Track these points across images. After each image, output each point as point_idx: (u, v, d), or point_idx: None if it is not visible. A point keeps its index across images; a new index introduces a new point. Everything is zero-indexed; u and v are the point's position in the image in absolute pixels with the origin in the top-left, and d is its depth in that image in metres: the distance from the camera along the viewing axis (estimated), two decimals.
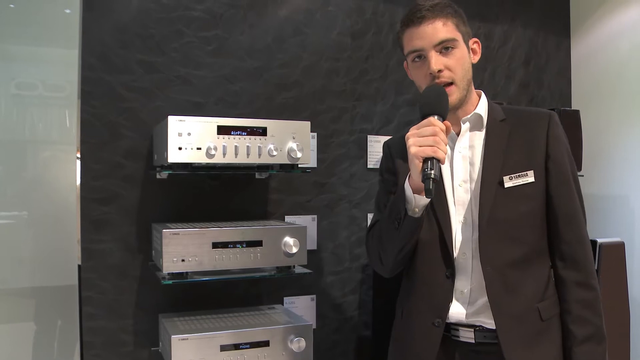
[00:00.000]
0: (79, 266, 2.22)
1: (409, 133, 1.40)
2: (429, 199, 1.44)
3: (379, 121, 2.69)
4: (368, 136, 2.66)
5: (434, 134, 1.35)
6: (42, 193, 2.41)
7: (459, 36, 1.49)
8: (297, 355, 2.07)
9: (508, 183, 1.49)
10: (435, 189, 1.35)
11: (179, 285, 2.16)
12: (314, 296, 2.55)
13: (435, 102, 1.42)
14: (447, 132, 1.39)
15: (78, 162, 2.23)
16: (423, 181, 1.34)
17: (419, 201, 1.44)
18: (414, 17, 1.47)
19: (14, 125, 2.40)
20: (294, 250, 2.06)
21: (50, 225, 2.41)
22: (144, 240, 2.26)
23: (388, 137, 2.63)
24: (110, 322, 2.22)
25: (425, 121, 1.39)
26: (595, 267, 2.62)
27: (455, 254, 1.52)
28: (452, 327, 1.54)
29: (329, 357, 2.58)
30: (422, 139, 1.36)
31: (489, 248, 1.48)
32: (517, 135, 1.52)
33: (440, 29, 1.46)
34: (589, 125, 2.92)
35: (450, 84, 1.47)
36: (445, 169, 1.54)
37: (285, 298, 2.50)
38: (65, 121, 2.45)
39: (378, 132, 2.68)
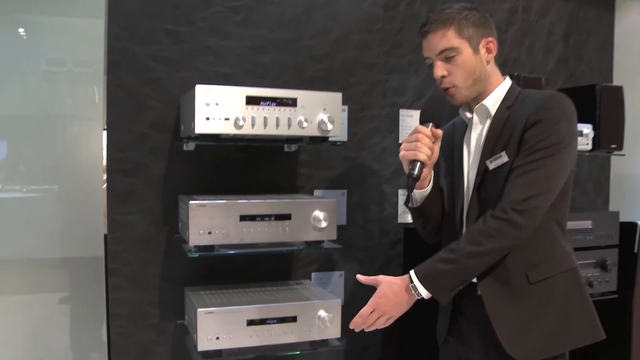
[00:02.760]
0: (105, 237, 2.21)
1: (403, 139, 1.69)
2: (426, 194, 1.73)
3: (411, 95, 2.61)
4: (400, 110, 2.59)
5: (416, 140, 1.60)
6: (71, 167, 2.41)
7: (461, 42, 1.62)
8: (324, 332, 2.03)
9: (491, 165, 1.62)
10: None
11: (205, 258, 2.13)
12: (342, 272, 2.50)
13: (430, 112, 1.66)
14: (436, 137, 1.63)
15: (104, 134, 2.20)
16: (407, 178, 1.61)
17: (414, 195, 1.74)
18: (420, 31, 1.67)
19: (44, 101, 2.40)
20: (324, 224, 2.01)
21: (80, 198, 2.41)
22: (170, 212, 2.23)
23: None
24: (136, 294, 2.21)
25: (414, 129, 1.64)
26: (635, 250, 2.54)
27: (464, 225, 1.69)
28: None
29: (355, 335, 2.51)
30: (408, 144, 1.62)
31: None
32: (511, 120, 1.62)
33: (439, 40, 1.62)
34: (633, 102, 2.78)
35: (451, 87, 1.64)
36: (464, 154, 1.73)
37: (313, 274, 2.45)
38: (94, 97, 2.44)
39: (411, 106, 2.60)
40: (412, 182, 1.61)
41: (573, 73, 3.00)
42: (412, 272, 1.58)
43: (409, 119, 2.57)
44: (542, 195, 1.51)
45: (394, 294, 1.59)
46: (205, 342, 1.90)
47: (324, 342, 2.06)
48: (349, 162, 2.49)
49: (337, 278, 2.48)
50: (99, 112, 2.37)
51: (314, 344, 2.06)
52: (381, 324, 1.62)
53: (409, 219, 2.57)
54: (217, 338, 1.91)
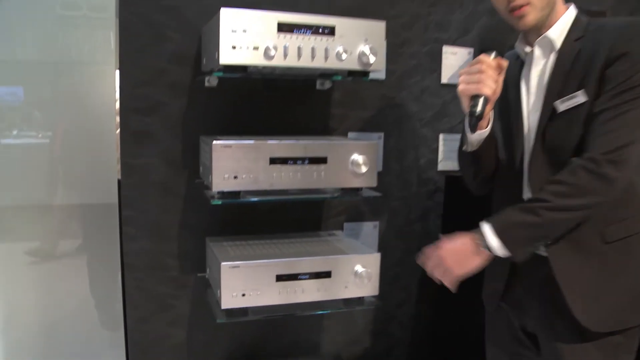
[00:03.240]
0: (119, 182, 2.06)
1: (461, 71, 1.45)
2: (485, 136, 1.50)
3: (455, 30, 2.35)
4: (443, 47, 2.34)
5: (480, 72, 1.39)
6: (86, 112, 2.31)
7: None
8: (361, 289, 1.85)
9: (560, 107, 1.41)
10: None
11: (228, 205, 1.94)
12: (377, 223, 2.30)
13: (489, 43, 1.51)
14: (501, 69, 1.42)
15: (117, 72, 2.03)
16: (468, 117, 1.43)
17: (471, 137, 1.51)
18: None
19: (59, 46, 2.30)
20: (364, 169, 1.79)
21: (95, 143, 2.29)
22: (191, 155, 2.04)
23: (465, 49, 2.34)
24: (153, 244, 2.05)
25: (475, 59, 1.43)
26: None
27: (524, 175, 1.51)
28: None
29: (389, 290, 2.36)
30: (469, 76, 1.41)
31: (539, 174, 1.45)
32: (584, 53, 1.41)
33: None
34: None
35: (527, 4, 1.42)
36: (522, 93, 1.53)
37: (345, 224, 2.26)
38: (110, 43, 2.30)
39: (455, 43, 2.35)
40: (475, 120, 1.42)
41: (633, 11, 2.71)
42: (481, 223, 1.39)
43: (452, 57, 2.33)
44: (637, 142, 1.30)
45: (461, 242, 1.42)
46: (230, 299, 1.73)
47: (360, 300, 1.89)
48: (386, 102, 2.26)
49: (372, 229, 2.29)
50: (114, 57, 2.24)
51: (348, 302, 1.88)
52: (434, 273, 1.48)
53: (449, 166, 2.35)
54: (243, 295, 1.74)
